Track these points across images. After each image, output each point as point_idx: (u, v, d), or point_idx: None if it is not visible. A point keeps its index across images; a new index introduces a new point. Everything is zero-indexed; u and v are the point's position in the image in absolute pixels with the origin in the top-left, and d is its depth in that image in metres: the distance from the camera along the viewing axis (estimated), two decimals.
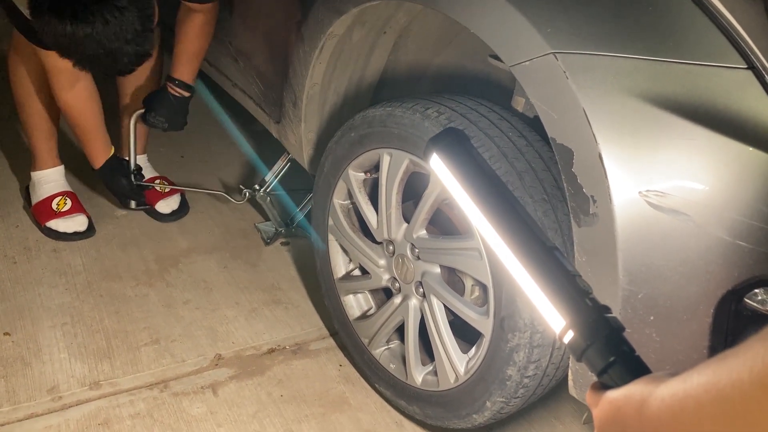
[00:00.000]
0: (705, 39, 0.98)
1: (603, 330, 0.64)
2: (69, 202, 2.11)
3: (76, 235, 2.07)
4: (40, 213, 2.09)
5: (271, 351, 1.78)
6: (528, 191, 1.26)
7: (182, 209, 2.25)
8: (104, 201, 2.26)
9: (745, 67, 0.96)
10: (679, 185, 0.99)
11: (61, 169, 2.16)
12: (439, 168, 0.81)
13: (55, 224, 2.07)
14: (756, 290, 1.01)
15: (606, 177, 1.03)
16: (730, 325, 1.03)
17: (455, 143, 0.79)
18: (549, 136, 1.10)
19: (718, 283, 1.00)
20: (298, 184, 2.18)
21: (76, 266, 1.97)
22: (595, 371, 0.64)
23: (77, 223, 2.08)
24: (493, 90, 1.78)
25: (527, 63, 1.10)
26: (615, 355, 0.62)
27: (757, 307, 1.03)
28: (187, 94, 2.02)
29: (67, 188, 2.15)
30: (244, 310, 1.90)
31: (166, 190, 2.24)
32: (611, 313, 0.64)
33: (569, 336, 0.66)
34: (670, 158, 1.00)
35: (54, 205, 2.08)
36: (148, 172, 2.27)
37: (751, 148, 0.95)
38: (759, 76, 0.95)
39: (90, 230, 2.10)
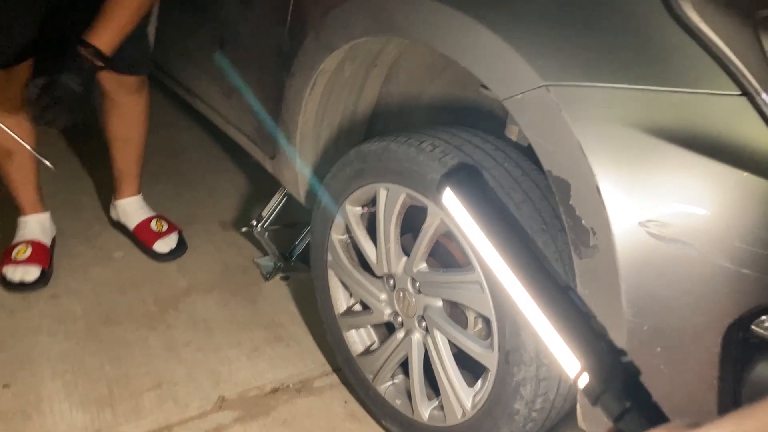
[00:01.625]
0: (697, 66, 0.97)
1: (619, 375, 0.62)
2: (29, 251, 2.03)
3: (21, 285, 1.99)
4: (3, 258, 2.04)
5: (275, 390, 1.76)
6: (526, 222, 1.24)
7: (180, 248, 2.23)
8: (104, 242, 2.25)
9: (739, 93, 0.95)
10: (679, 214, 0.98)
11: (37, 216, 2.09)
12: (453, 204, 0.79)
13: (5, 270, 2.01)
14: (763, 317, 1.00)
15: (605, 208, 1.02)
16: (738, 353, 1.02)
17: (469, 179, 0.78)
18: (545, 169, 1.09)
19: (725, 312, 0.99)
20: (295, 217, 2.17)
21: (75, 312, 1.95)
22: (611, 417, 0.62)
23: (25, 272, 2.00)
24: (486, 118, 1.78)
25: (519, 96, 1.10)
26: (632, 401, 0.61)
27: (765, 335, 1.01)
28: (100, 64, 1.63)
29: (36, 238, 2.07)
30: (246, 349, 1.87)
31: (163, 229, 2.22)
32: (627, 356, 0.63)
33: (584, 380, 0.64)
34: (669, 187, 0.98)
35: (14, 252, 2.03)
36: (145, 212, 2.24)
37: (749, 175, 0.94)
38: (753, 102, 0.94)
39: (38, 283, 2.01)
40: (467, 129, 1.43)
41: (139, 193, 2.26)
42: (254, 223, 2.11)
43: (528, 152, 1.36)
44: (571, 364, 0.65)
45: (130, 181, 2.20)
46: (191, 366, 1.81)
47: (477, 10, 1.14)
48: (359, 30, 1.40)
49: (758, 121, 0.94)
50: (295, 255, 2.20)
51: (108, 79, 1.90)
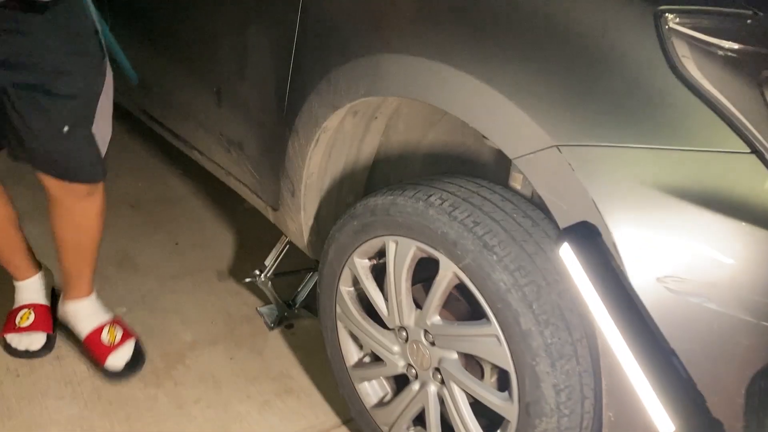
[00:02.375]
0: (706, 125, 1.00)
1: None
2: (32, 317, 1.96)
3: (26, 354, 1.94)
4: (6, 324, 1.98)
5: None
6: (541, 273, 1.25)
7: (137, 360, 1.94)
8: (106, 298, 2.22)
9: (749, 151, 0.97)
10: (697, 269, 1.00)
11: (34, 279, 2.00)
12: (570, 260, 0.80)
13: (10, 338, 1.96)
14: None
15: (623, 264, 1.03)
16: (760, 402, 1.03)
17: (588, 237, 0.79)
18: (561, 228, 1.11)
19: (747, 363, 1.00)
20: (298, 263, 2.17)
21: (81, 372, 1.93)
22: None
23: (31, 340, 1.95)
24: (486, 164, 1.80)
25: (530, 156, 1.11)
26: None
27: None
28: None
29: (37, 300, 2.00)
30: (255, 404, 1.86)
31: (116, 340, 1.93)
32: (723, 428, 0.64)
33: None
34: (685, 244, 1.00)
35: (17, 318, 1.96)
36: (96, 318, 1.95)
37: (762, 229, 0.96)
38: (763, 159, 0.97)
39: (44, 350, 1.95)
40: (472, 179, 1.44)
41: (91, 293, 1.96)
42: (257, 272, 2.11)
43: (536, 201, 1.38)
44: (665, 424, 0.66)
45: (82, 282, 1.92)
46: (202, 424, 1.79)
47: (485, 72, 1.16)
48: (363, 91, 1.42)
49: None
50: (299, 302, 2.19)
51: (54, 185, 1.67)
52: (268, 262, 2.09)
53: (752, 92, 0.98)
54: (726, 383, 1.02)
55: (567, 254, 0.76)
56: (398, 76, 1.35)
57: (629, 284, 0.73)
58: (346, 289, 1.63)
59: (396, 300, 1.49)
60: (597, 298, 0.72)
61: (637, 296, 0.72)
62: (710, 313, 1.00)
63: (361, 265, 1.57)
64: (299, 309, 2.19)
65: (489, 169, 1.79)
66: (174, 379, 1.93)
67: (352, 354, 1.69)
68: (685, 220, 1.00)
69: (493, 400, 1.35)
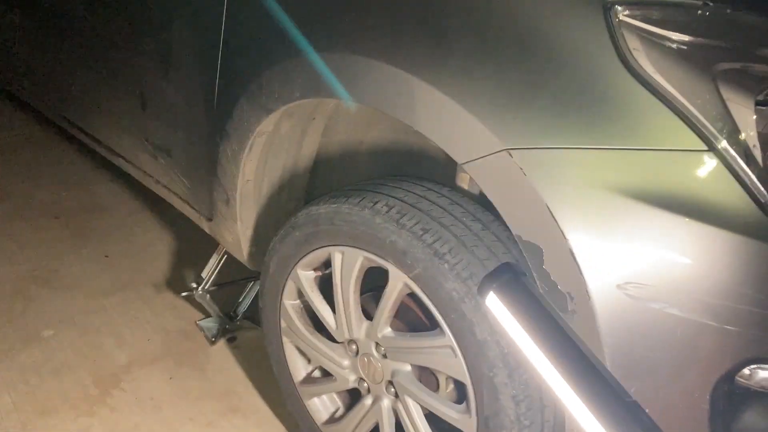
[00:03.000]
0: (661, 123, 0.95)
1: None
2: None
3: None
4: None
5: None
6: None
7: None
8: (29, 320, 2.07)
9: (706, 149, 0.93)
10: (657, 275, 0.96)
11: None
12: (498, 309, 0.74)
13: None
14: (746, 368, 0.99)
15: (581, 273, 0.98)
16: (725, 406, 1.00)
17: (515, 283, 0.73)
18: (514, 234, 1.05)
19: (712, 369, 0.97)
20: (238, 272, 2.07)
21: (6, 405, 1.78)
22: None
23: None
24: (431, 161, 1.74)
25: (479, 161, 1.05)
26: None
27: (749, 384, 1.00)
28: None
29: None
30: (199, 426, 1.76)
31: None
32: None
33: None
34: (644, 248, 0.96)
35: None
36: None
37: (724, 230, 0.93)
38: (720, 157, 0.93)
39: None
40: (419, 182, 1.38)
41: None
42: (194, 285, 2.00)
43: (484, 201, 1.33)
44: None
45: None
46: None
47: (429, 73, 1.09)
48: (297, 93, 1.33)
49: (726, 176, 0.93)
50: (241, 313, 2.09)
51: None
52: (205, 274, 1.98)
53: (707, 86, 0.94)
54: (691, 389, 0.99)
55: (494, 304, 0.71)
56: (336, 78, 1.27)
57: (564, 323, 0.68)
58: (290, 302, 1.54)
59: (344, 313, 1.41)
60: (533, 345, 0.67)
61: (574, 334, 0.68)
62: (673, 318, 0.96)
63: (306, 277, 1.48)
64: (241, 320, 2.09)
65: (436, 167, 1.73)
66: (109, 405, 1.81)
67: (299, 369, 1.61)
68: (643, 224, 0.96)
69: (450, 413, 1.29)
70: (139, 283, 2.27)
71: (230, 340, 2.06)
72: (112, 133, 2.11)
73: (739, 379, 0.99)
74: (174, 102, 1.75)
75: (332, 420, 1.58)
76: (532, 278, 0.97)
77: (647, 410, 1.01)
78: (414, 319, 1.41)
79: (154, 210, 2.65)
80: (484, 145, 1.04)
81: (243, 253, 1.72)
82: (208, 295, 2.01)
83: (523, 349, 0.70)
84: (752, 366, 0.98)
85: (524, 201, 1.02)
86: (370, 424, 1.47)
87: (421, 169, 1.77)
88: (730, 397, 1.00)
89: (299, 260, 1.46)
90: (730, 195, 0.93)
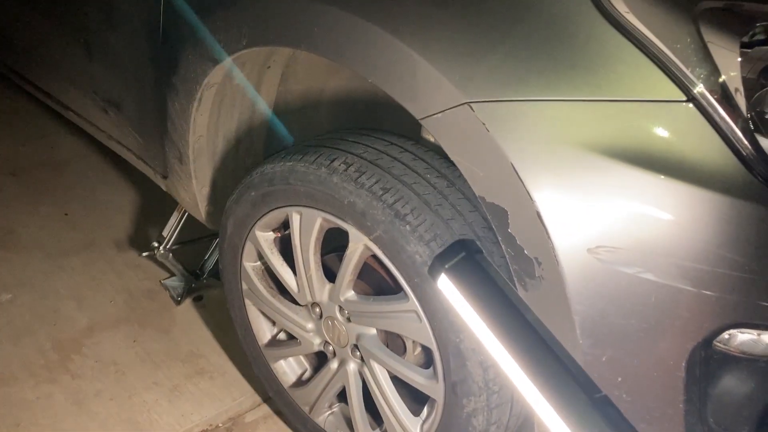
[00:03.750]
0: (637, 72, 0.86)
1: None
2: None
3: None
4: None
5: None
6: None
7: None
8: None
9: (685, 99, 0.85)
10: (630, 238, 0.88)
11: None
12: (450, 293, 0.69)
13: None
14: (724, 333, 0.93)
15: (549, 237, 0.91)
16: (701, 372, 0.95)
17: (468, 262, 0.67)
18: (477, 195, 0.97)
19: (687, 336, 0.91)
20: (203, 229, 1.98)
21: None
22: None
23: None
24: (397, 109, 1.64)
25: (439, 116, 0.96)
26: None
27: (727, 349, 0.94)
28: None
29: None
30: (164, 390, 1.70)
31: None
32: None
33: None
34: (617, 209, 0.88)
35: None
36: None
37: (702, 189, 0.85)
38: (700, 108, 0.84)
39: None
40: (380, 136, 1.28)
41: None
42: (155, 244, 1.91)
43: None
44: None
45: None
46: (105, 420, 1.62)
47: (383, 19, 0.99)
48: (244, 42, 1.21)
49: (708, 129, 0.85)
50: (207, 271, 2.01)
51: None
52: (166, 233, 1.89)
53: (687, 29, 0.85)
54: (666, 357, 0.93)
55: (446, 286, 0.64)
56: (285, 23, 1.15)
57: (522, 306, 0.62)
58: (250, 264, 1.46)
59: (305, 275, 1.34)
60: (486, 331, 0.61)
61: (533, 317, 0.61)
62: (647, 284, 0.89)
63: (264, 238, 1.40)
64: (207, 278, 2.01)
65: (403, 116, 1.63)
66: (71, 371, 1.74)
67: (264, 332, 1.54)
68: (615, 183, 0.88)
69: (417, 378, 1.24)
70: (101, 242, 2.18)
71: (196, 299, 1.99)
72: (60, 86, 1.98)
73: (716, 344, 0.94)
74: (120, 51, 1.62)
75: (299, 383, 1.52)
76: (492, 252, 0.90)
77: (620, 378, 0.96)
78: (380, 281, 1.33)
79: (117, 165, 2.54)
80: (444, 98, 0.94)
81: (201, 212, 1.64)
82: (170, 255, 1.92)
83: (477, 334, 0.63)
84: (731, 331, 0.91)
85: (487, 159, 0.93)
86: (337, 388, 1.42)
87: (388, 119, 1.68)
88: (707, 363, 0.95)
89: (256, 221, 1.37)
90: (710, 150, 0.85)
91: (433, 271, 0.65)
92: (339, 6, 1.06)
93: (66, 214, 2.30)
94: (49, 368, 1.75)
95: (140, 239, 2.19)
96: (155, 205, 2.33)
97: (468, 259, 0.65)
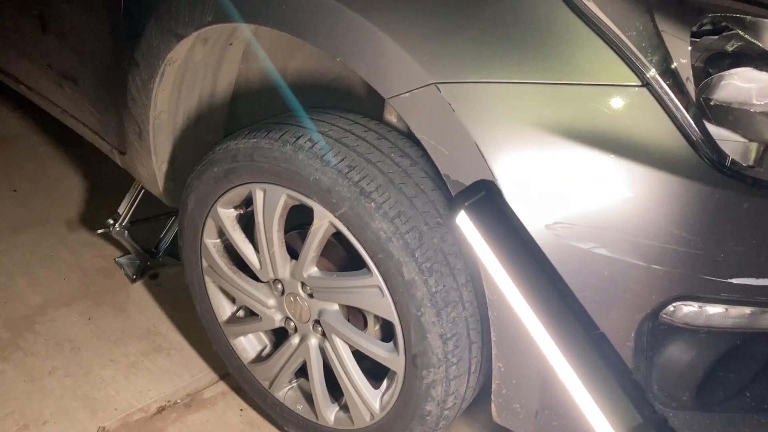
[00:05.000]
0: (595, 57, 0.91)
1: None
2: None
3: None
4: None
5: (162, 409, 1.61)
6: (422, 218, 1.16)
7: None
8: None
9: (640, 84, 0.90)
10: (586, 214, 0.93)
11: None
12: (468, 229, 0.70)
13: None
14: (670, 305, 0.99)
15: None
16: (648, 342, 1.01)
17: (487, 202, 0.69)
18: (442, 173, 1.00)
19: (637, 308, 0.97)
20: (159, 206, 1.96)
21: None
22: None
23: None
24: (360, 90, 1.66)
25: (406, 95, 0.99)
26: None
27: (672, 320, 1.01)
28: None
29: None
30: (121, 367, 1.70)
31: None
32: (667, 425, 0.60)
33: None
34: (574, 187, 0.93)
35: None
36: None
37: (653, 169, 0.91)
38: (654, 93, 0.90)
39: None
40: (344, 114, 1.30)
41: None
42: (110, 222, 1.89)
43: (413, 135, 1.27)
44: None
45: None
46: (60, 397, 1.61)
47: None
48: (209, 18, 1.21)
49: (660, 112, 0.90)
50: (162, 249, 2.01)
51: None
52: (122, 210, 1.88)
53: (642, 17, 0.90)
54: (617, 328, 0.98)
55: (465, 223, 0.66)
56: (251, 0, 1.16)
57: (537, 247, 0.65)
58: (211, 241, 1.47)
59: (268, 252, 1.35)
60: (502, 271, 0.64)
61: (547, 260, 0.65)
62: (601, 258, 0.94)
63: (227, 215, 1.41)
64: (163, 257, 2.00)
65: (364, 97, 1.66)
66: (23, 349, 1.72)
67: (224, 309, 1.55)
68: (573, 162, 0.93)
69: (378, 352, 1.27)
70: (52, 219, 2.14)
71: (152, 277, 1.98)
72: (12, 59, 1.93)
73: (662, 315, 1.00)
74: (77, 24, 1.59)
75: (259, 359, 1.54)
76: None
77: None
78: (342, 257, 1.36)
79: (67, 140, 2.48)
80: (411, 79, 0.97)
81: (159, 188, 1.63)
82: (126, 232, 1.91)
83: (492, 274, 0.66)
84: (676, 303, 0.98)
85: (452, 139, 0.97)
86: (298, 363, 1.44)
87: (351, 99, 1.70)
88: (653, 333, 1.01)
89: (218, 198, 1.38)
90: (661, 132, 0.90)
91: (453, 206, 0.67)
92: None
93: (15, 191, 2.25)
94: (1, 346, 1.72)
95: (94, 217, 2.16)
96: (109, 182, 2.30)
97: (487, 198, 0.68)
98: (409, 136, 1.27)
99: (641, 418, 0.61)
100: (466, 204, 0.67)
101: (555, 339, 0.65)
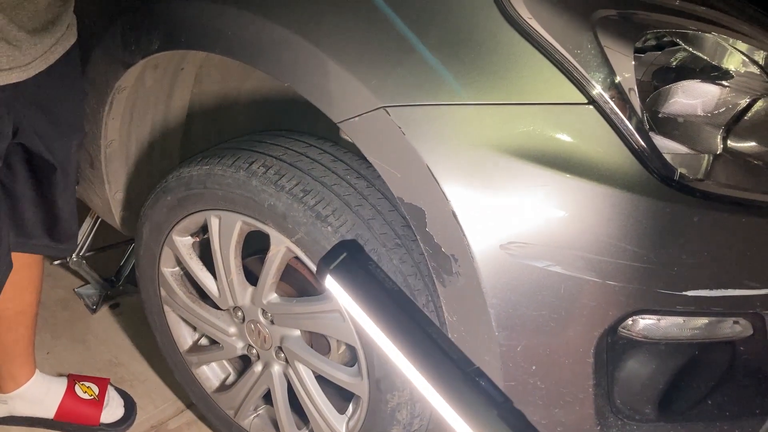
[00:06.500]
0: (541, 76, 0.91)
1: None
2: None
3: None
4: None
5: None
6: (380, 240, 1.15)
7: (128, 403, 1.63)
8: None
9: (586, 102, 0.90)
10: (539, 233, 0.94)
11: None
12: (337, 292, 0.72)
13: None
14: (628, 320, 0.99)
15: (464, 235, 0.95)
16: (608, 357, 1.01)
17: (350, 262, 0.71)
18: (396, 196, 1.00)
19: (595, 324, 0.97)
20: (118, 235, 1.92)
21: None
22: None
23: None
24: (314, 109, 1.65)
25: (356, 119, 0.98)
26: None
27: (631, 334, 1.01)
28: None
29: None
30: None
31: (96, 392, 1.60)
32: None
33: None
34: (526, 207, 0.93)
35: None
36: (57, 385, 1.58)
37: (603, 186, 0.91)
38: (600, 110, 0.90)
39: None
40: (298, 137, 1.29)
41: (35, 367, 1.57)
42: None
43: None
44: None
45: (27, 360, 1.54)
46: None
47: (298, 24, 1.00)
48: (156, 45, 1.19)
49: (607, 130, 0.90)
50: (123, 278, 1.96)
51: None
52: (79, 239, 1.83)
53: (586, 35, 0.90)
54: (576, 344, 0.98)
55: (332, 285, 0.69)
56: (198, 27, 1.14)
57: (410, 304, 0.68)
58: (168, 270, 1.44)
59: (226, 280, 1.33)
60: (371, 323, 0.66)
61: (422, 317, 0.67)
62: (556, 276, 0.94)
63: (183, 243, 1.38)
64: (124, 285, 1.96)
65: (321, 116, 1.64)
66: None
67: (185, 338, 1.52)
68: (523, 182, 0.93)
69: (342, 377, 1.26)
70: None
71: (113, 307, 1.93)
72: None
73: (621, 330, 1.00)
74: None
75: (223, 387, 1.51)
76: (412, 250, 0.93)
77: (534, 367, 1.01)
78: (303, 281, 1.34)
79: None
80: (360, 103, 0.97)
81: (115, 217, 1.59)
82: (84, 262, 1.87)
83: (364, 327, 0.68)
84: (634, 317, 0.98)
85: (404, 161, 0.96)
86: (262, 390, 1.42)
87: (306, 120, 1.68)
88: (613, 348, 1.01)
89: (174, 226, 1.36)
90: (610, 149, 0.91)
91: (320, 273, 0.70)
92: (252, 11, 1.06)
93: None
94: None
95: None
96: None
97: (349, 258, 0.70)
98: (365, 158, 1.27)
99: None
100: (330, 268, 0.70)
101: (427, 378, 0.67)
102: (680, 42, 0.97)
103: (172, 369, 1.57)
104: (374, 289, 0.69)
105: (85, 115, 1.40)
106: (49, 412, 1.56)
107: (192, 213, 1.31)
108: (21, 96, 1.12)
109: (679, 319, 1.00)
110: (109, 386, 1.62)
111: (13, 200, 1.25)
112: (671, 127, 0.99)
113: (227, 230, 1.28)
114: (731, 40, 0.95)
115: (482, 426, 0.65)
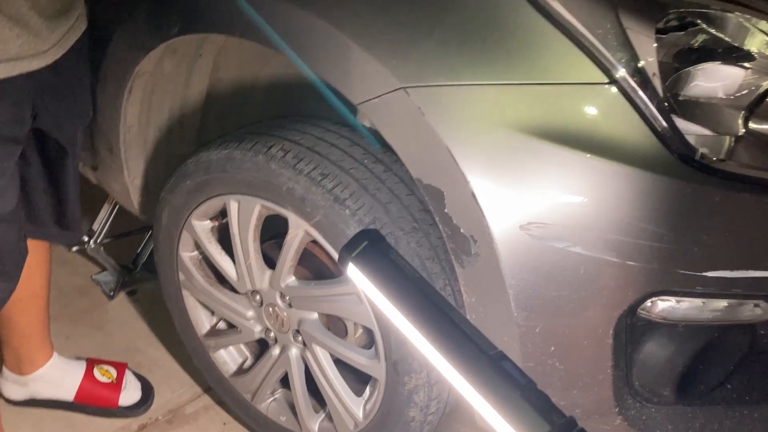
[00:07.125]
0: (562, 56, 0.91)
1: None
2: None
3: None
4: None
5: (143, 427, 1.59)
6: (397, 223, 1.15)
7: (145, 387, 1.65)
8: None
9: (607, 81, 0.90)
10: (560, 214, 0.94)
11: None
12: (359, 279, 0.73)
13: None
14: (647, 302, 0.99)
15: (483, 215, 0.95)
16: (627, 339, 1.01)
17: (371, 249, 0.72)
18: (414, 177, 1.00)
19: (614, 304, 0.97)
20: (135, 222, 1.94)
21: None
22: None
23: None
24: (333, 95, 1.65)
25: (375, 101, 0.98)
26: None
27: (650, 316, 1.01)
28: None
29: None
30: None
31: (114, 375, 1.63)
32: (577, 426, 0.60)
33: None
34: (546, 187, 0.93)
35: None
36: (76, 368, 1.61)
37: (624, 165, 0.91)
38: (621, 90, 0.90)
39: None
40: (316, 122, 1.30)
41: (53, 350, 1.60)
42: (86, 239, 1.86)
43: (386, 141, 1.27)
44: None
45: (43, 342, 1.57)
46: (38, 421, 1.58)
47: (318, 5, 1.00)
48: (177, 28, 1.20)
49: (629, 109, 0.90)
50: (140, 264, 1.98)
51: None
52: (97, 226, 1.85)
53: (607, 15, 0.90)
54: (595, 325, 0.99)
55: (354, 274, 0.70)
56: (218, 10, 1.15)
57: (431, 290, 0.69)
58: (187, 254, 1.45)
59: (244, 264, 1.34)
60: (394, 310, 0.67)
61: (444, 302, 0.68)
62: (576, 257, 0.94)
63: (202, 227, 1.39)
64: (141, 272, 1.98)
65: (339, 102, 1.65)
66: None
67: (202, 322, 1.53)
68: (544, 162, 0.93)
69: (359, 360, 1.26)
70: None
71: (130, 294, 1.95)
72: None
73: (640, 311, 1.00)
74: None
75: (240, 371, 1.52)
76: (429, 234, 0.93)
77: (553, 348, 1.01)
78: (320, 265, 1.35)
79: None
80: (379, 84, 0.97)
81: (133, 203, 1.61)
82: (102, 248, 1.88)
83: (387, 315, 0.69)
84: (653, 298, 0.98)
85: (423, 143, 0.96)
86: (279, 374, 1.43)
87: (324, 107, 1.69)
88: (632, 329, 1.01)
89: (193, 210, 1.37)
90: (631, 128, 0.90)
91: (342, 261, 0.71)
92: None
93: None
94: None
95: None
96: (83, 198, 2.26)
97: (371, 246, 0.71)
98: (383, 142, 1.27)
99: (548, 424, 0.63)
100: (352, 256, 0.71)
101: (451, 361, 0.67)
102: (702, 23, 0.97)
103: (190, 354, 1.58)
104: (396, 276, 0.70)
105: (104, 101, 1.42)
106: (69, 394, 1.58)
107: (211, 197, 1.32)
108: (38, 82, 1.14)
109: (699, 301, 0.99)
110: (126, 370, 1.64)
111: (26, 188, 1.27)
112: (692, 108, 0.98)
113: (246, 214, 1.28)
114: (754, 20, 0.95)
115: (506, 407, 0.65)
